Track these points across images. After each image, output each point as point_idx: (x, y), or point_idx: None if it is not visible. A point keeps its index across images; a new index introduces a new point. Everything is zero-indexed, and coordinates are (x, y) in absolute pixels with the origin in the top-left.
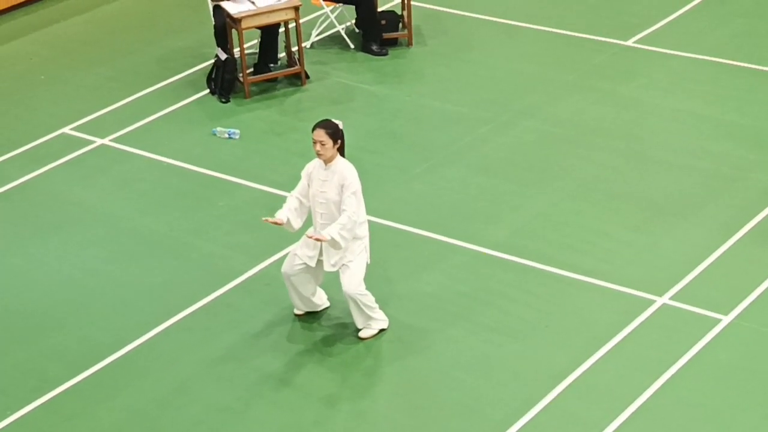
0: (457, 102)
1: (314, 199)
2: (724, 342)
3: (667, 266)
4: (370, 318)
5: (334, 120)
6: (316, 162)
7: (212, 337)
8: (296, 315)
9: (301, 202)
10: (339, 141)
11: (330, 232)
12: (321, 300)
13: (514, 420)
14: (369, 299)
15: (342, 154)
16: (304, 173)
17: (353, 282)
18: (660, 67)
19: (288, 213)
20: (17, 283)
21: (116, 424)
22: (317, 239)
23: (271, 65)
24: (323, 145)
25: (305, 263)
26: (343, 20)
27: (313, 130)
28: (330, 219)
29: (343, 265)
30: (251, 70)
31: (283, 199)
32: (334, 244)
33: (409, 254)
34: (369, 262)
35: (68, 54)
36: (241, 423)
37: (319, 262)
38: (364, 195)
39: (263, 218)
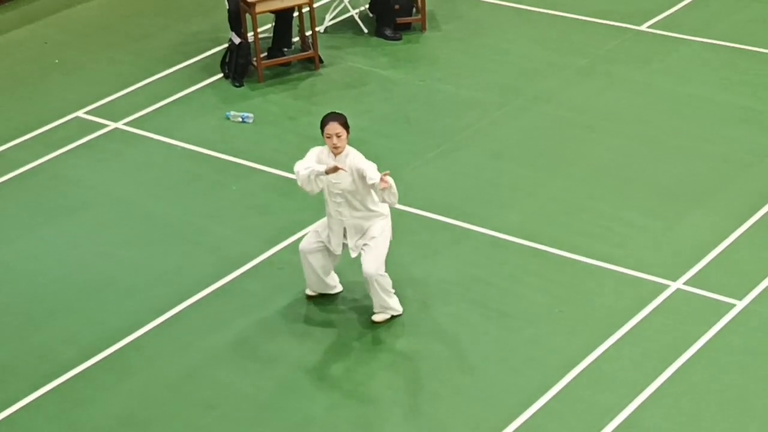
0: (470, 87)
1: (329, 189)
2: (737, 327)
3: (681, 251)
4: (386, 301)
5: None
6: (324, 150)
7: (225, 321)
8: (307, 296)
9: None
10: (349, 131)
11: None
12: (334, 282)
13: (527, 405)
14: (387, 282)
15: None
16: (313, 157)
17: (375, 263)
18: (674, 52)
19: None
20: (30, 267)
21: (127, 409)
22: (387, 178)
23: (285, 50)
24: (339, 137)
25: (324, 244)
26: (356, 5)
27: (325, 124)
28: (348, 207)
29: (365, 245)
30: (265, 54)
31: (296, 183)
32: (391, 187)
33: (422, 239)
34: (392, 238)
35: (82, 38)
36: (253, 407)
37: (343, 246)
38: None
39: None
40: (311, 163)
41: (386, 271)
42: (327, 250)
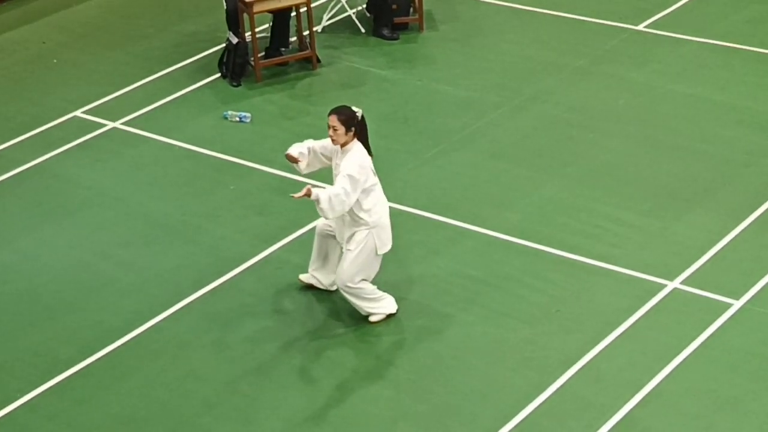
0: (468, 87)
1: (335, 177)
2: (735, 327)
3: (678, 251)
4: (368, 307)
5: (353, 107)
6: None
7: (223, 320)
8: (301, 282)
9: (311, 151)
10: (353, 128)
11: (318, 191)
12: (327, 280)
13: (525, 404)
14: (364, 291)
15: (363, 141)
16: (324, 142)
17: (343, 275)
18: (672, 52)
19: (302, 149)
20: (29, 267)
21: (127, 408)
22: (304, 195)
23: (283, 49)
24: (336, 130)
25: (333, 233)
26: (354, 5)
27: (328, 115)
28: None
29: (341, 255)
30: (262, 54)
31: (293, 183)
32: (318, 202)
33: (420, 239)
34: (381, 253)
35: (81, 38)
36: (251, 406)
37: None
38: None
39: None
40: (307, 145)
41: (378, 273)
42: (335, 240)
